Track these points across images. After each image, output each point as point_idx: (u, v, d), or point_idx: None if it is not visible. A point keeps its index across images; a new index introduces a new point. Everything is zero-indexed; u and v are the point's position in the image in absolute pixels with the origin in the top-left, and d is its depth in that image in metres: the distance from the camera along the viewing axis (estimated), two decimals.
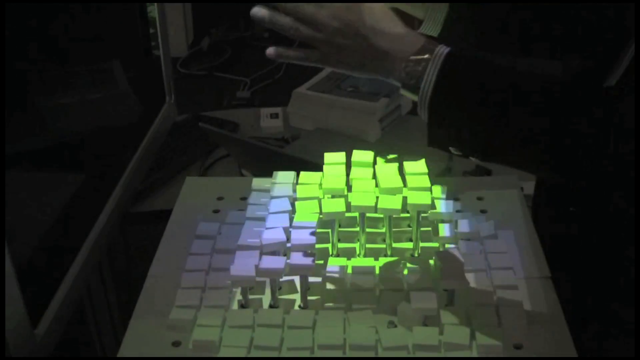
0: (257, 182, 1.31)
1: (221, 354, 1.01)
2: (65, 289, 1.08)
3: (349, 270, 1.14)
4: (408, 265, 1.14)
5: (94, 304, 1.65)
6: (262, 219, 1.21)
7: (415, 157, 1.23)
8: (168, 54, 1.59)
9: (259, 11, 1.13)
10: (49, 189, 1.17)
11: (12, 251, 0.90)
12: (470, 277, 1.11)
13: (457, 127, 1.07)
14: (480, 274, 1.13)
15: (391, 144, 1.96)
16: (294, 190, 1.25)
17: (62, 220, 1.15)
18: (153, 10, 1.57)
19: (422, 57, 1.06)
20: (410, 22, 1.33)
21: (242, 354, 1.00)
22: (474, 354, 1.01)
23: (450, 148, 1.09)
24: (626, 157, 0.97)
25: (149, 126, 1.53)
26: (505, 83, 1.04)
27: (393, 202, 1.13)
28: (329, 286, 1.11)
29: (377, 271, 1.14)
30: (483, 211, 1.31)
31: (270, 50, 1.17)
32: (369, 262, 1.16)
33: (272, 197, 1.24)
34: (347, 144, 1.89)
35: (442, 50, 1.06)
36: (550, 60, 1.08)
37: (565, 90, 1.02)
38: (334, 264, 1.15)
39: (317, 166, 1.27)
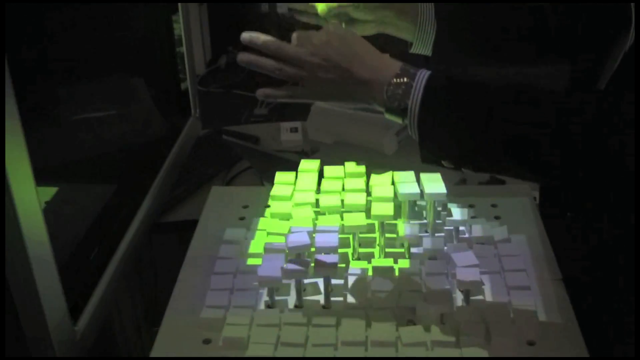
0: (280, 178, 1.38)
1: (249, 351, 1.06)
2: (101, 289, 1.14)
3: (370, 272, 1.19)
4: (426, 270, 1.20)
5: (122, 309, 1.71)
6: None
7: (431, 169, 1.29)
8: (193, 70, 1.66)
9: (243, 56, 1.22)
10: (85, 198, 1.24)
11: (55, 255, 0.96)
12: (484, 278, 1.17)
13: (446, 143, 1.13)
14: (494, 275, 1.19)
15: (407, 156, 2.02)
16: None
17: (97, 227, 1.22)
18: (177, 27, 1.63)
19: (401, 80, 1.12)
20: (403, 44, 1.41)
21: (270, 351, 1.06)
22: (489, 350, 1.06)
23: (443, 162, 1.15)
24: (620, 156, 1.02)
25: (175, 139, 1.59)
26: (487, 97, 1.10)
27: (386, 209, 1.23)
28: (351, 287, 1.17)
29: (397, 272, 1.19)
30: (497, 217, 1.37)
31: (259, 92, 1.26)
32: (388, 262, 1.21)
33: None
34: (365, 156, 1.95)
35: (423, 72, 1.12)
36: (537, 67, 1.14)
37: (551, 96, 1.09)
38: (355, 267, 1.21)
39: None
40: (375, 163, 1.70)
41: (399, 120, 1.15)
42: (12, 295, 0.93)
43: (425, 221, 1.31)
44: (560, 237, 1.28)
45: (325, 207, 1.28)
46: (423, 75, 1.11)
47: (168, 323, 1.15)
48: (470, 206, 1.38)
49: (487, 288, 1.16)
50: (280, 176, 1.37)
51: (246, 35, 1.23)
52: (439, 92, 1.11)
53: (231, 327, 1.10)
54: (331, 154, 2.01)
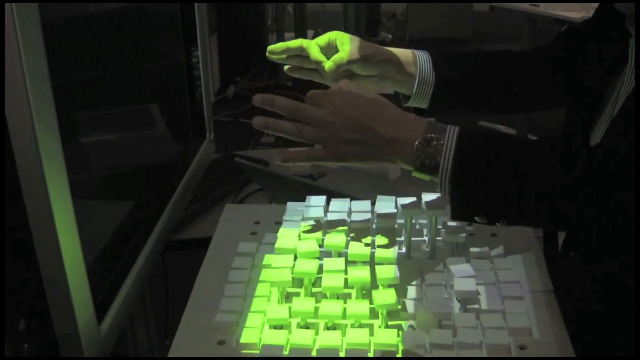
0: (291, 206, 1.46)
1: (262, 354, 1.14)
2: (121, 297, 1.22)
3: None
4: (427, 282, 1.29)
5: (134, 323, 1.80)
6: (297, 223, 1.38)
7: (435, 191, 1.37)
8: (209, 95, 1.75)
9: (259, 120, 1.16)
10: (105, 215, 1.33)
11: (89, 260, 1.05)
12: (480, 289, 1.25)
13: (481, 200, 1.11)
14: (490, 286, 1.27)
15: (410, 181, 2.10)
16: (325, 213, 1.40)
17: (115, 243, 1.31)
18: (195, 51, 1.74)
19: (431, 136, 1.09)
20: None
21: (280, 352, 1.14)
22: (484, 353, 1.15)
23: (476, 218, 1.12)
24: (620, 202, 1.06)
25: (191, 160, 1.68)
26: (514, 153, 1.11)
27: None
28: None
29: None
30: (493, 235, 1.45)
31: (278, 156, 1.19)
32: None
33: (304, 218, 1.39)
34: (370, 181, 2.05)
35: (453, 129, 1.10)
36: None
37: (577, 150, 1.13)
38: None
39: (344, 196, 1.47)
40: (380, 187, 1.80)
41: (426, 178, 1.13)
42: (47, 296, 1.01)
43: (425, 238, 1.40)
44: (564, 277, 1.34)
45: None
46: (453, 131, 1.09)
47: (185, 326, 1.23)
48: (471, 235, 1.45)
49: (482, 297, 1.25)
50: (284, 231, 1.38)
51: (258, 98, 1.18)
52: (472, 150, 1.09)
53: (245, 329, 1.19)
54: (337, 179, 2.10)
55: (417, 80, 1.38)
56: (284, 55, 1.39)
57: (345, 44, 1.33)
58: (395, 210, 1.37)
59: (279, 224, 1.45)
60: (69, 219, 1.00)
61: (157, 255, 1.43)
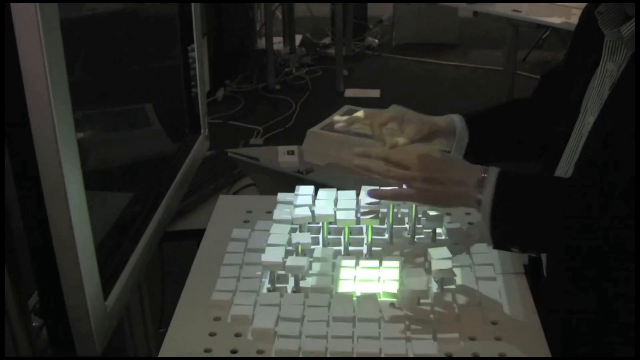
0: (282, 196, 1.57)
1: (254, 325, 1.25)
2: (124, 277, 1.32)
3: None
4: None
5: (131, 309, 1.89)
6: (288, 222, 1.47)
7: None
8: (204, 92, 1.85)
9: (360, 161, 1.41)
10: (108, 204, 1.42)
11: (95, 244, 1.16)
12: (457, 270, 1.36)
13: (516, 234, 1.31)
14: (465, 268, 1.38)
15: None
16: (312, 201, 1.51)
17: (118, 230, 1.40)
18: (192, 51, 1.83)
19: (483, 176, 1.30)
20: None
21: (271, 325, 1.24)
22: (459, 328, 1.25)
23: (512, 248, 1.34)
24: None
25: (187, 154, 1.78)
26: (544, 193, 1.31)
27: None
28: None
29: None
30: (470, 223, 1.55)
31: (371, 192, 1.42)
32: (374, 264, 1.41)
33: (295, 206, 1.50)
34: (356, 176, 2.14)
35: (495, 170, 1.30)
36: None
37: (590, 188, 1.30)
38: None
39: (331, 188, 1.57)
40: (366, 183, 1.89)
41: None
42: (59, 271, 1.11)
43: (407, 226, 1.51)
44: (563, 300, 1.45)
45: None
46: (493, 172, 1.29)
47: (183, 304, 1.34)
48: (447, 214, 1.56)
49: (458, 278, 1.35)
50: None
51: (356, 151, 1.42)
52: (510, 190, 1.29)
53: (238, 306, 1.29)
54: (324, 175, 2.20)
55: (456, 137, 1.60)
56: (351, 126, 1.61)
57: (405, 126, 1.53)
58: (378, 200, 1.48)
59: (270, 212, 1.55)
60: (81, 204, 1.10)
61: (155, 243, 1.52)
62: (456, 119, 1.61)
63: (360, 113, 1.56)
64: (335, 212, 1.46)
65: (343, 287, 1.34)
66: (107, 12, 1.49)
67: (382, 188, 1.40)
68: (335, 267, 1.39)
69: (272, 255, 1.34)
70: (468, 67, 5.92)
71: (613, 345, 1.36)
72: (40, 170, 1.03)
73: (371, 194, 1.42)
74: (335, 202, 1.51)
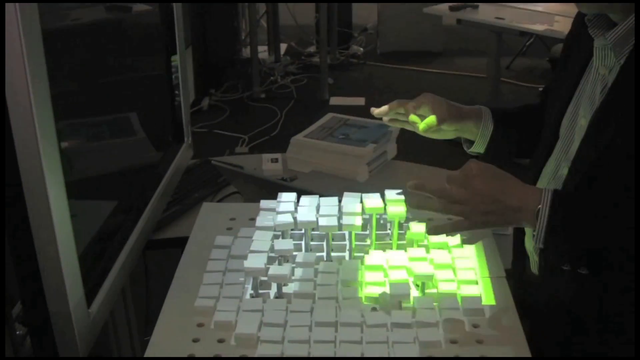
0: (265, 203, 1.58)
1: (237, 330, 1.25)
2: (107, 285, 1.33)
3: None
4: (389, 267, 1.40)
5: (115, 317, 1.90)
6: (270, 229, 1.48)
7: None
8: (187, 103, 1.86)
9: (413, 200, 1.39)
10: (91, 213, 1.43)
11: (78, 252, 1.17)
12: (439, 274, 1.37)
13: (567, 253, 1.35)
14: (447, 271, 1.39)
15: (378, 184, 2.22)
16: (295, 208, 1.52)
17: (102, 238, 1.41)
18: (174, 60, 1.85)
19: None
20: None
21: (254, 330, 1.25)
22: (440, 332, 1.26)
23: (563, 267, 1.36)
24: None
25: (170, 163, 1.79)
26: (591, 211, 1.32)
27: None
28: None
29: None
30: None
31: (430, 230, 1.43)
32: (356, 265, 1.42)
33: (278, 212, 1.51)
34: (339, 184, 2.16)
35: (547, 192, 1.31)
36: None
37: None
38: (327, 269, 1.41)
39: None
40: (348, 189, 1.91)
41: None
42: (42, 279, 1.12)
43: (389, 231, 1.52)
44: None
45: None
46: (547, 193, 1.31)
47: (167, 310, 1.34)
48: (429, 219, 1.58)
49: (440, 282, 1.36)
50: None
51: (412, 184, 1.38)
52: (561, 214, 1.30)
53: (221, 312, 1.30)
54: (308, 182, 2.21)
55: (480, 129, 1.65)
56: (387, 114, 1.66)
57: (436, 108, 1.60)
58: (359, 209, 1.50)
59: (253, 220, 1.56)
60: (64, 213, 1.12)
61: (138, 250, 1.53)
62: (483, 108, 1.66)
63: (394, 103, 1.63)
64: (317, 218, 1.47)
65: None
66: (91, 22, 1.51)
67: (441, 224, 1.39)
68: (317, 272, 1.40)
69: (255, 261, 1.35)
70: (453, 75, 5.96)
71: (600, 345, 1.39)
72: (23, 180, 1.05)
73: (429, 230, 1.44)
74: (318, 208, 1.52)
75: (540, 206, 1.30)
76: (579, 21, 1.48)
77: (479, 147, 1.67)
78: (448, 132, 1.66)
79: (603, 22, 1.34)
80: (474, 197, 1.33)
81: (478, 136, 1.65)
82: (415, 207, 1.40)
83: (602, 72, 1.35)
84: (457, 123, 1.63)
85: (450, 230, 1.41)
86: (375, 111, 1.66)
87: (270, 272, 1.35)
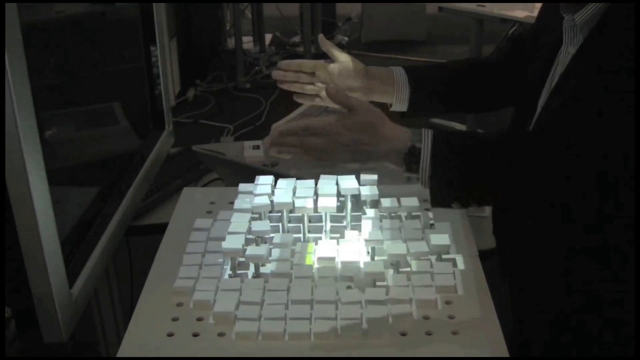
0: (243, 186, 1.61)
1: (215, 309, 1.29)
2: (88, 268, 1.36)
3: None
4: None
5: (100, 298, 1.94)
6: (248, 211, 1.52)
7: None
8: (167, 89, 1.90)
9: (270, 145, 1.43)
10: (73, 199, 1.47)
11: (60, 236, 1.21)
12: (412, 253, 1.41)
13: (453, 191, 1.34)
14: (421, 250, 1.42)
15: (359, 168, 2.26)
16: (272, 190, 1.56)
17: (86, 219, 1.45)
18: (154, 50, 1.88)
19: (413, 146, 1.32)
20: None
21: (232, 309, 1.28)
22: (413, 308, 1.30)
23: (452, 204, 1.35)
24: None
25: (151, 149, 1.82)
26: (473, 152, 1.33)
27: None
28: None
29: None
30: (427, 210, 1.60)
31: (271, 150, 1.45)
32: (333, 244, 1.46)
33: (255, 195, 1.55)
34: (318, 169, 2.19)
35: (427, 134, 1.32)
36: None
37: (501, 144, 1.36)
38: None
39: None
40: (328, 175, 1.94)
41: (413, 175, 1.34)
42: (24, 261, 1.16)
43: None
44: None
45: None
46: (427, 137, 1.31)
47: (147, 291, 1.38)
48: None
49: (413, 261, 1.40)
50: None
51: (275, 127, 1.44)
52: (443, 152, 1.31)
53: (200, 292, 1.34)
54: (290, 167, 2.24)
55: (395, 90, 1.65)
56: (289, 73, 1.66)
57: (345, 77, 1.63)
58: (334, 191, 1.54)
59: (232, 203, 1.60)
60: (45, 198, 1.16)
61: (120, 234, 1.57)
62: (396, 70, 1.68)
63: (297, 62, 1.65)
64: (293, 200, 1.50)
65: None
66: (75, 14, 1.54)
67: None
68: (293, 253, 1.44)
69: (233, 242, 1.38)
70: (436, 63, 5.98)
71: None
72: (6, 167, 1.09)
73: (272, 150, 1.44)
74: (294, 191, 1.56)
75: (419, 145, 1.31)
76: (549, 4, 1.52)
77: (398, 107, 1.68)
78: (357, 94, 1.63)
79: (575, 2, 1.37)
80: (336, 140, 1.33)
81: (394, 100, 1.66)
82: (276, 153, 1.43)
83: (571, 52, 1.38)
84: (365, 79, 1.63)
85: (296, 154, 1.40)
86: (283, 63, 1.67)
87: (248, 252, 1.38)
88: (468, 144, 1.35)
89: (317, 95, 1.67)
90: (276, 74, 1.65)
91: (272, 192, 1.56)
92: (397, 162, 1.35)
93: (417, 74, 1.68)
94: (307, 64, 1.65)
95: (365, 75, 1.64)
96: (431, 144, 1.32)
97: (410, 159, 1.33)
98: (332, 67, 1.63)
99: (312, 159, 1.38)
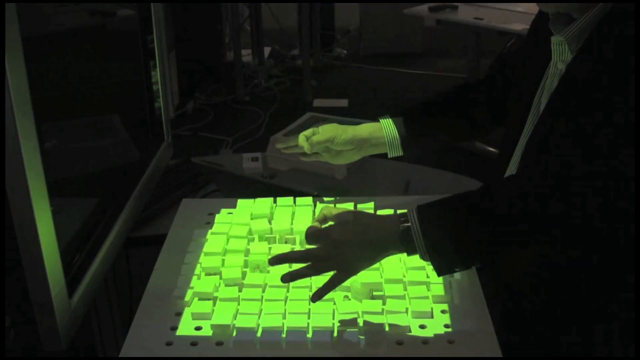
0: (242, 203, 1.64)
1: (213, 321, 1.31)
2: (88, 278, 1.37)
3: None
4: None
5: (99, 309, 1.94)
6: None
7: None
8: (166, 101, 1.91)
9: (284, 277, 1.34)
10: (71, 209, 1.48)
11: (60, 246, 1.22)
12: (407, 262, 1.42)
13: (454, 254, 1.32)
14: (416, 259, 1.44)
15: (355, 181, 2.27)
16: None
17: (86, 229, 1.46)
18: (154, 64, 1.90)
19: (404, 226, 1.31)
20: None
21: (229, 320, 1.30)
22: (409, 319, 1.31)
23: (456, 269, 1.36)
24: None
25: (150, 161, 1.84)
26: (459, 215, 1.32)
27: None
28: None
29: None
30: None
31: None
32: None
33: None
34: (318, 181, 2.21)
35: (412, 211, 1.32)
36: None
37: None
38: None
39: (293, 192, 1.68)
40: (327, 186, 1.96)
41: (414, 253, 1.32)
42: (24, 270, 1.17)
43: None
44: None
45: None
46: (412, 212, 1.31)
47: (146, 301, 1.39)
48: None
49: (409, 271, 1.42)
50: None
51: (272, 260, 1.37)
52: (432, 227, 1.30)
53: (198, 302, 1.35)
54: (288, 179, 2.26)
55: (386, 142, 1.71)
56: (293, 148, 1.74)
57: (326, 129, 1.71)
58: None
59: (230, 214, 1.61)
60: (45, 209, 1.17)
61: (119, 244, 1.57)
62: (383, 120, 1.72)
63: (295, 141, 1.71)
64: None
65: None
66: (75, 26, 1.56)
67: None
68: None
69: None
70: (434, 76, 6.01)
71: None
72: (6, 177, 1.10)
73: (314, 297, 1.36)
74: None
75: (407, 224, 1.31)
76: (539, 20, 1.54)
77: (394, 153, 1.73)
78: (349, 154, 1.71)
79: (564, 18, 1.39)
80: (338, 248, 1.33)
81: (388, 152, 1.72)
82: (290, 282, 1.37)
83: (560, 67, 1.40)
84: (347, 141, 1.68)
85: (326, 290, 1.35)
86: (279, 146, 1.76)
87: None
88: (453, 207, 1.34)
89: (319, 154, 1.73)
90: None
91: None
92: (399, 249, 1.33)
93: (407, 122, 1.71)
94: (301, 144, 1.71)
95: (350, 142, 1.68)
96: (418, 220, 1.31)
97: (407, 241, 1.31)
98: (320, 142, 1.69)
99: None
